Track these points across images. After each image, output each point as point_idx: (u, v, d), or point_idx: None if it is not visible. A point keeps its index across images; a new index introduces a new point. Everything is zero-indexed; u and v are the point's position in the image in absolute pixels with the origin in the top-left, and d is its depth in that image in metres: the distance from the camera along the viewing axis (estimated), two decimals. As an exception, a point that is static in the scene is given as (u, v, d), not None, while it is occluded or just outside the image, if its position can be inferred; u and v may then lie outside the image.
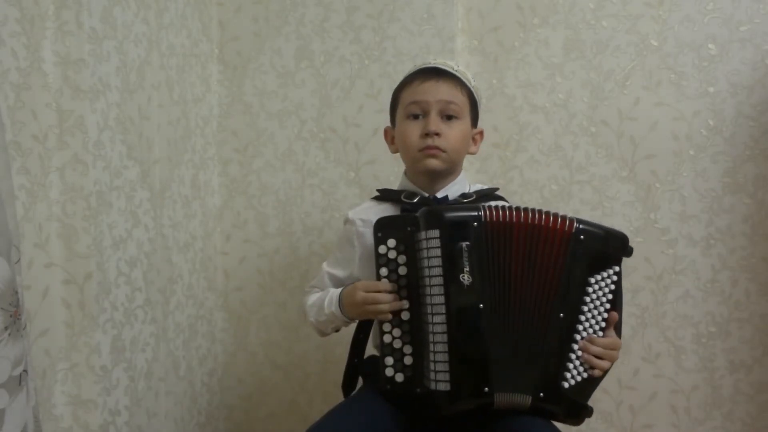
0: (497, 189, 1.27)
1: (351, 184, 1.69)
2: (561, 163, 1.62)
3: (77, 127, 1.17)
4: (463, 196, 1.21)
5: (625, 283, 1.59)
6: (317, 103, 1.71)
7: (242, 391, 1.80)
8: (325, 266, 1.29)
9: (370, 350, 1.25)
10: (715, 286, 1.56)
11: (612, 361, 1.06)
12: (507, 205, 1.06)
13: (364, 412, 1.09)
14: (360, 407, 1.11)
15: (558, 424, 1.07)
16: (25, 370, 0.87)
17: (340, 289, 1.18)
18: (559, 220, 1.04)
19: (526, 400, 1.03)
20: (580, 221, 1.04)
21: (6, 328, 0.84)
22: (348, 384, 1.24)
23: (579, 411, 1.05)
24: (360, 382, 1.25)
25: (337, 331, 1.25)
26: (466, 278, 1.00)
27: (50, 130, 1.15)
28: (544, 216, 1.04)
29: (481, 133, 1.29)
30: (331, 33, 1.69)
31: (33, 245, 1.12)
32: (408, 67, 1.61)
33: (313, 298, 1.25)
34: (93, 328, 1.20)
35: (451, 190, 1.23)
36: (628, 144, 1.59)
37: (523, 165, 1.64)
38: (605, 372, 1.06)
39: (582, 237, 1.03)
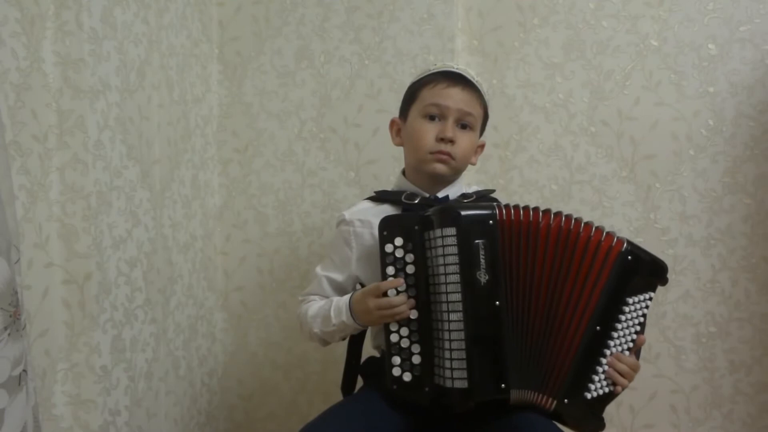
0: (494, 191, 1.27)
1: (351, 184, 1.69)
2: (561, 163, 1.62)
3: (77, 127, 1.17)
4: (463, 196, 1.22)
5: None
6: (317, 103, 1.71)
7: (242, 391, 1.80)
8: (320, 271, 1.25)
9: (368, 351, 1.25)
10: (715, 286, 1.56)
11: (630, 381, 1.07)
12: (527, 205, 1.06)
13: (360, 412, 1.08)
14: (356, 407, 1.11)
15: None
16: (24, 370, 0.87)
17: (347, 298, 1.15)
18: (605, 234, 1.05)
19: (551, 402, 1.04)
20: (629, 242, 1.05)
21: (6, 328, 0.84)
22: (347, 387, 1.23)
23: (596, 423, 1.07)
24: (360, 383, 1.25)
25: (343, 339, 1.23)
26: (482, 276, 1.01)
27: (50, 130, 1.15)
28: (583, 226, 1.04)
29: (483, 146, 1.30)
30: (331, 33, 1.69)
31: (33, 245, 1.12)
32: (408, 67, 1.61)
33: (314, 308, 1.20)
34: (93, 328, 1.20)
35: (451, 191, 1.23)
36: (628, 144, 1.59)
37: (523, 165, 1.64)
38: (622, 390, 1.07)
39: (630, 258, 1.04)
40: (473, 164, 1.30)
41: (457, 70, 1.24)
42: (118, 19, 1.29)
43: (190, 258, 1.62)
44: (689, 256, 1.57)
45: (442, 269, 1.03)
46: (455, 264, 1.02)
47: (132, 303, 1.33)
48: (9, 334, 0.84)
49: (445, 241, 1.03)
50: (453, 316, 1.02)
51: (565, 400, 1.04)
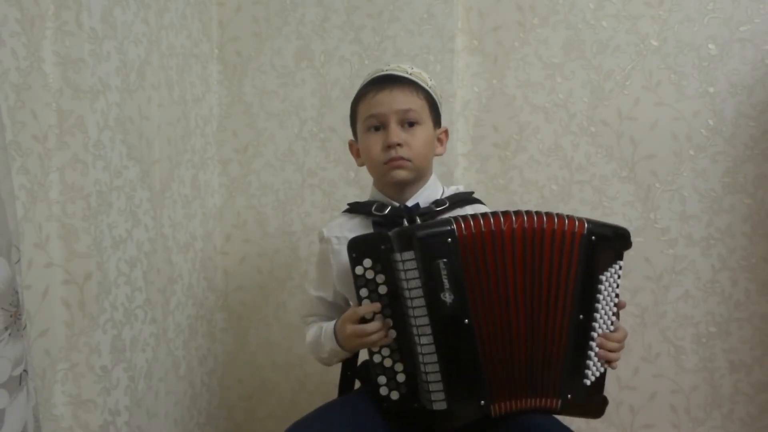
0: (473, 192, 1.24)
1: (351, 184, 1.69)
2: (561, 163, 1.62)
3: (77, 127, 1.17)
4: (436, 203, 1.18)
5: (624, 283, 1.59)
6: (317, 103, 1.71)
7: (242, 391, 1.80)
8: (312, 292, 1.26)
9: (365, 355, 1.25)
10: (715, 286, 1.56)
11: (621, 350, 1.08)
12: (487, 212, 1.03)
13: (350, 413, 1.09)
14: (347, 407, 1.11)
15: (560, 417, 1.08)
16: (25, 370, 0.87)
17: (332, 324, 1.15)
18: (566, 220, 1.02)
19: (555, 403, 1.04)
20: (588, 221, 1.03)
21: (6, 328, 0.84)
22: (344, 393, 1.23)
23: (600, 403, 1.07)
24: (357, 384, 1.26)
25: (341, 362, 1.23)
26: (447, 296, 0.98)
27: (50, 130, 1.15)
28: (546, 218, 1.01)
29: (446, 132, 1.26)
30: (331, 33, 1.69)
31: (33, 245, 1.12)
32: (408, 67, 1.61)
33: (309, 335, 1.22)
34: (93, 328, 1.20)
35: (422, 196, 1.19)
36: (628, 144, 1.59)
37: (523, 165, 1.64)
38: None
39: (593, 238, 1.03)
40: (440, 154, 1.25)
41: (385, 72, 1.20)
42: (118, 19, 1.29)
43: (190, 258, 1.62)
44: (689, 256, 1.57)
45: (407, 293, 1.00)
46: (418, 288, 0.99)
47: (132, 303, 1.33)
48: (9, 334, 0.84)
49: (406, 265, 0.99)
50: (423, 340, 1.00)
51: (569, 396, 1.04)
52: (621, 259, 1.07)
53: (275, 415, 1.78)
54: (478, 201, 1.23)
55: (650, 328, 1.59)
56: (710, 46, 1.54)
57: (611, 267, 1.05)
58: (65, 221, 1.17)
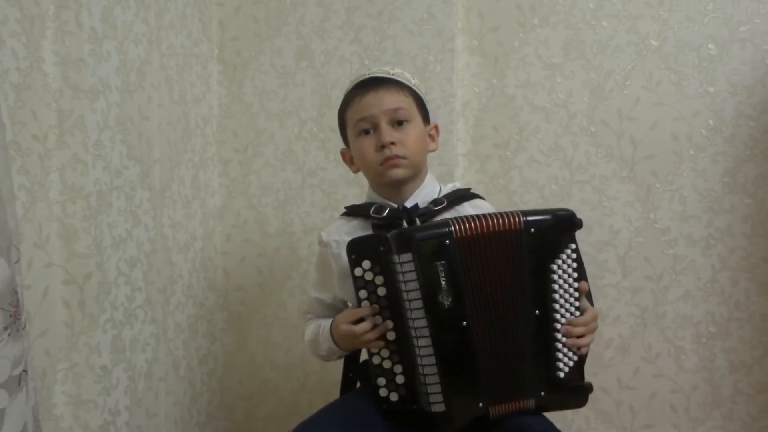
0: (469, 189, 1.25)
1: (351, 184, 1.69)
2: (561, 163, 1.62)
3: (77, 127, 1.17)
4: (434, 202, 1.18)
5: (624, 283, 1.60)
6: (317, 103, 1.71)
7: (242, 391, 1.80)
8: (312, 292, 1.28)
9: (365, 354, 1.25)
10: (715, 286, 1.56)
11: (593, 332, 1.07)
12: (474, 215, 1.03)
13: (353, 411, 1.09)
14: (350, 406, 1.11)
15: (550, 415, 1.08)
16: (25, 370, 0.87)
17: (329, 323, 1.16)
18: (509, 218, 1.02)
19: (530, 403, 1.04)
20: (525, 213, 1.03)
21: (6, 328, 0.84)
22: (346, 392, 1.24)
23: (581, 392, 1.06)
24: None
25: (341, 358, 1.23)
26: (445, 298, 0.98)
27: (50, 130, 1.15)
28: (498, 219, 1.02)
29: (436, 127, 1.26)
30: (331, 33, 1.69)
31: (33, 245, 1.12)
32: (408, 67, 1.61)
33: (308, 333, 1.23)
34: (93, 328, 1.20)
35: (420, 195, 1.19)
36: (628, 144, 1.59)
37: (523, 165, 1.64)
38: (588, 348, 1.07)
39: (532, 230, 1.02)
40: (433, 150, 1.25)
41: (369, 75, 1.21)
42: (118, 19, 1.29)
43: (190, 258, 1.62)
44: (689, 256, 1.57)
45: (405, 295, 1.00)
46: (416, 290, 0.99)
47: (132, 303, 1.33)
48: (9, 334, 0.84)
49: (404, 267, 0.99)
50: (422, 342, 1.00)
51: (542, 393, 1.04)
52: (573, 241, 1.05)
53: (275, 415, 1.78)
54: (476, 196, 1.23)
55: (650, 328, 1.59)
56: (710, 46, 1.54)
57: (562, 253, 1.04)
58: (65, 221, 1.17)
